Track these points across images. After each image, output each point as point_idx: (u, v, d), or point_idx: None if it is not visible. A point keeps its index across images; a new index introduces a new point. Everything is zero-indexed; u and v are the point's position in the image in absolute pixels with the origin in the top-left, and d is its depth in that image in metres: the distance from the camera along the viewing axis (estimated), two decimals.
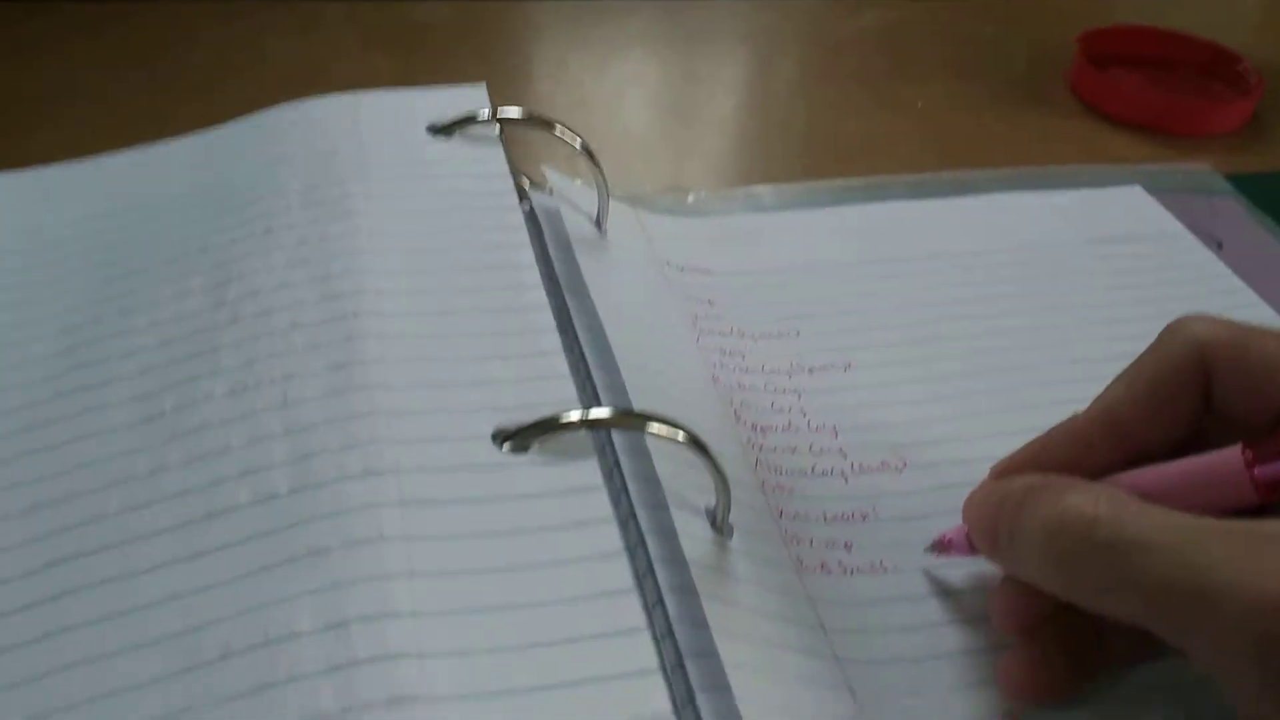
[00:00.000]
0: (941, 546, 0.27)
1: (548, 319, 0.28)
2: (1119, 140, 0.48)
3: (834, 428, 0.31)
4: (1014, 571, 0.24)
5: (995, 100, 0.51)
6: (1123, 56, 0.53)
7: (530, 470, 0.24)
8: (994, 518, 0.24)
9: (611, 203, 0.35)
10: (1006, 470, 0.25)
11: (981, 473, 0.29)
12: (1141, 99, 0.49)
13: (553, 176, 0.35)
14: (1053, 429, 0.25)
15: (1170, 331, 0.24)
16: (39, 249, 0.32)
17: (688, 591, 0.23)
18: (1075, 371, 0.33)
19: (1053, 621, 0.24)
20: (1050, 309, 0.36)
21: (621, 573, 0.22)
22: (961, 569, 0.27)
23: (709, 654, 0.22)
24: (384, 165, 0.32)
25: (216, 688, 0.20)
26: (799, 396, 0.32)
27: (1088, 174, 0.44)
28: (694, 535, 0.24)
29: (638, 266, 0.35)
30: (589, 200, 0.35)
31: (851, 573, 0.27)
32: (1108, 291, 0.36)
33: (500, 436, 0.25)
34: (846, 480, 0.30)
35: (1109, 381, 0.25)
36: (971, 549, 0.26)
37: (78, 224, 0.32)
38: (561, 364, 0.27)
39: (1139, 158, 0.47)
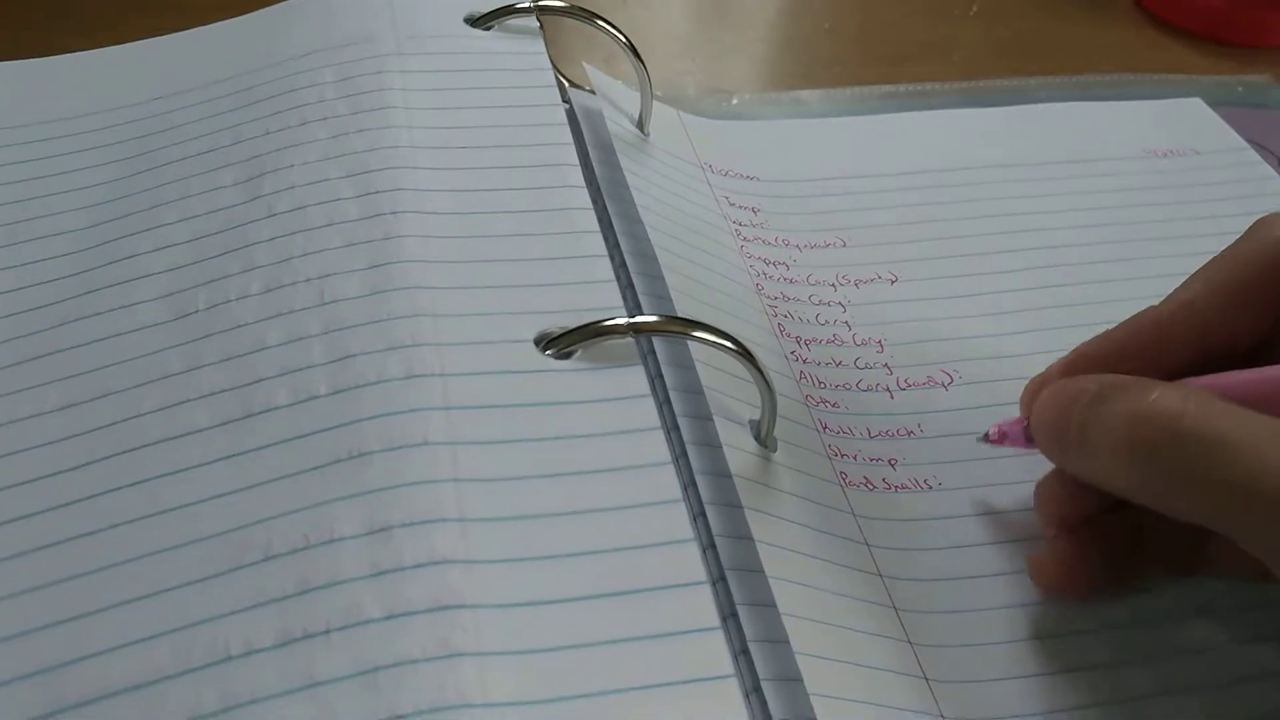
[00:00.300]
0: (997, 437, 0.26)
1: (591, 221, 0.27)
2: (1178, 49, 0.46)
3: (880, 341, 0.30)
4: (1077, 468, 0.23)
5: (1052, 5, 0.49)
6: None
7: (575, 376, 0.23)
8: (1064, 412, 0.23)
9: (656, 105, 0.34)
10: (1076, 365, 0.25)
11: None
12: (1203, 6, 0.47)
13: (593, 74, 0.34)
14: (1127, 320, 0.25)
15: (1256, 228, 0.24)
16: (62, 137, 0.31)
17: (730, 505, 0.23)
18: (1129, 288, 0.31)
19: (1093, 522, 0.24)
20: (1105, 223, 0.34)
21: (669, 482, 0.22)
22: (1008, 490, 0.27)
23: (750, 568, 0.22)
24: (421, 57, 0.31)
25: (261, 588, 0.20)
26: (844, 309, 0.31)
27: (1146, 84, 0.42)
28: (738, 447, 0.24)
29: (681, 170, 0.34)
30: (629, 101, 0.34)
31: (896, 489, 0.27)
32: (1165, 206, 0.35)
33: (543, 341, 0.24)
34: (892, 395, 0.29)
35: (1164, 298, 0.25)
36: (1028, 441, 0.25)
37: (102, 113, 0.31)
38: (606, 268, 0.26)
39: (1198, 68, 0.45)
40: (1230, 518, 0.20)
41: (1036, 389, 0.25)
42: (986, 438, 0.26)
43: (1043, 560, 0.24)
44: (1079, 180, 0.36)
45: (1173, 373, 0.23)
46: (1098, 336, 0.25)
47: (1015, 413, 0.27)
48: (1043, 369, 0.27)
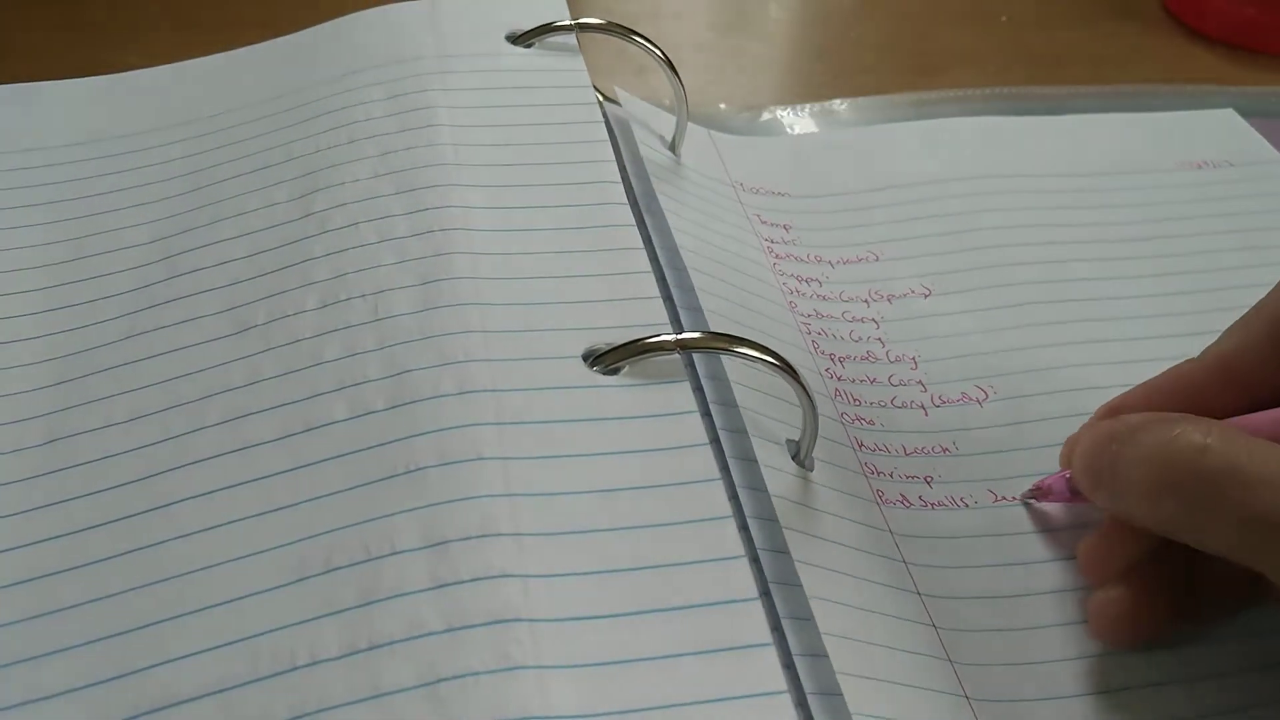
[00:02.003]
0: (1040, 493, 0.26)
1: (635, 238, 0.27)
2: (1210, 58, 0.46)
3: (913, 358, 0.31)
4: (1114, 506, 0.24)
5: (1083, 14, 0.49)
6: None
7: (623, 392, 0.24)
8: (1099, 451, 0.23)
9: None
10: (1113, 411, 0.25)
11: (1066, 406, 0.29)
12: (1236, 15, 0.47)
13: (625, 97, 0.34)
14: (1163, 374, 0.25)
15: None
16: (122, 154, 0.32)
17: (769, 519, 0.24)
18: (1164, 304, 0.32)
19: (1143, 569, 0.24)
20: (1140, 237, 0.35)
21: (718, 498, 0.22)
22: (1044, 509, 0.27)
23: (790, 582, 0.23)
24: (465, 75, 0.31)
25: (323, 600, 0.20)
26: (877, 325, 0.32)
27: (1179, 95, 0.42)
28: (775, 467, 0.24)
29: (711, 187, 0.34)
30: (660, 121, 0.34)
31: (932, 507, 0.27)
32: (1199, 220, 0.35)
33: (591, 357, 0.24)
34: (926, 413, 0.29)
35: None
36: (1070, 495, 0.25)
37: (157, 131, 0.32)
38: (651, 285, 0.26)
39: (1230, 78, 0.45)
40: (1254, 551, 0.20)
41: (1074, 443, 0.26)
42: (1030, 494, 0.27)
43: (1100, 607, 0.24)
44: (1113, 192, 0.36)
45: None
46: (1137, 387, 0.25)
47: (1047, 429, 0.27)
48: (1077, 384, 0.28)
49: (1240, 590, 0.24)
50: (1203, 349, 0.25)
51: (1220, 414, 0.23)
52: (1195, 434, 0.21)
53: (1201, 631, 0.24)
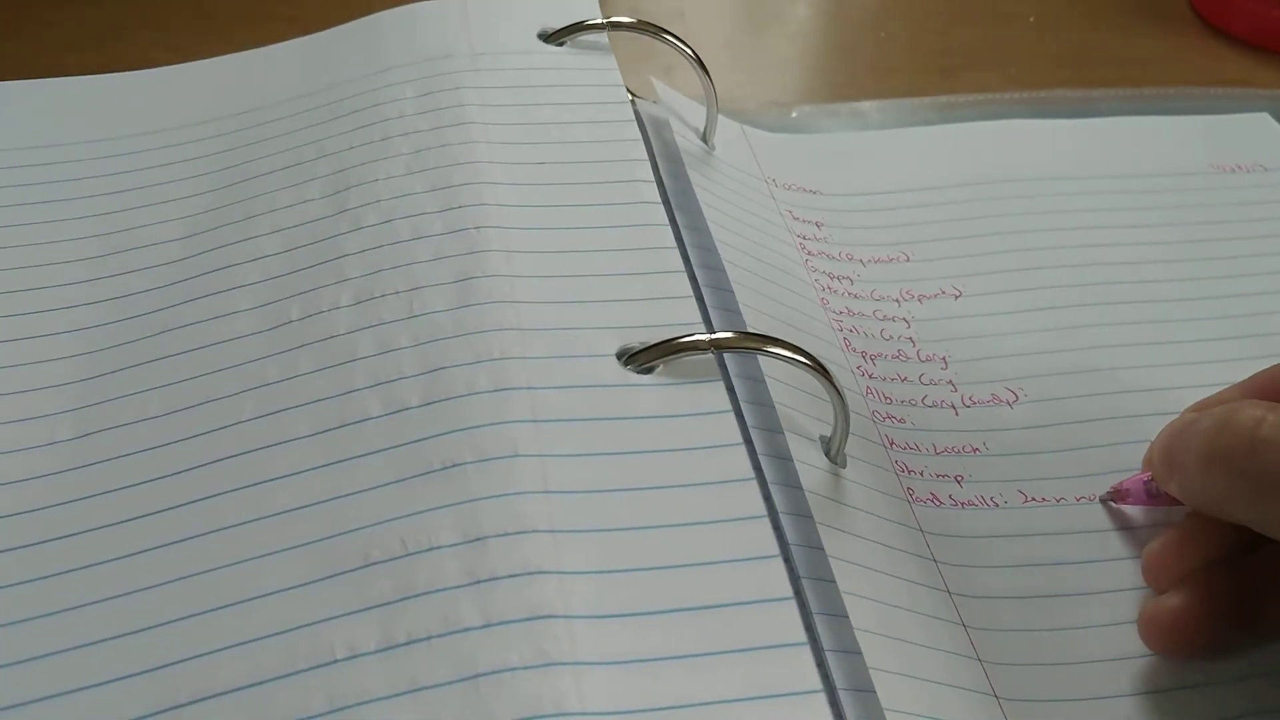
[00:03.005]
0: (1118, 495, 0.27)
1: (668, 237, 0.27)
2: (1240, 62, 0.46)
3: (944, 358, 0.31)
4: (1180, 490, 0.24)
5: (1109, 15, 0.49)
6: None
7: (657, 391, 0.24)
8: (1172, 436, 0.24)
9: (720, 118, 0.35)
10: (1201, 408, 0.25)
11: (1097, 409, 0.29)
12: (1264, 16, 0.46)
13: (661, 89, 0.34)
14: (1257, 373, 0.25)
15: None
16: (155, 149, 0.32)
17: (800, 515, 0.24)
18: (1198, 308, 0.32)
19: (1207, 576, 0.24)
20: (1171, 240, 0.34)
21: (753, 498, 0.22)
22: (1073, 510, 0.27)
23: (822, 578, 0.23)
24: (497, 73, 0.32)
25: (360, 594, 0.20)
26: (908, 324, 0.32)
27: (1211, 98, 0.42)
28: (809, 464, 0.24)
29: (746, 184, 0.34)
30: (694, 115, 0.34)
31: (962, 506, 0.27)
32: (1234, 224, 0.35)
33: (625, 356, 0.25)
34: (957, 413, 0.29)
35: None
36: (1148, 498, 0.26)
37: (193, 125, 0.32)
38: (684, 284, 0.26)
39: (1258, 80, 0.44)
40: None
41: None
42: (1109, 496, 0.27)
43: (1155, 615, 0.24)
44: (1144, 195, 0.36)
45: None
46: (1230, 386, 0.26)
47: (1077, 431, 0.27)
48: (1107, 387, 0.27)
49: None
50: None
51: None
52: (1255, 409, 0.21)
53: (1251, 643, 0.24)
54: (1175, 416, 0.25)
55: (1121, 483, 0.27)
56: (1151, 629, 0.24)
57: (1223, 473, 0.21)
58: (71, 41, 0.43)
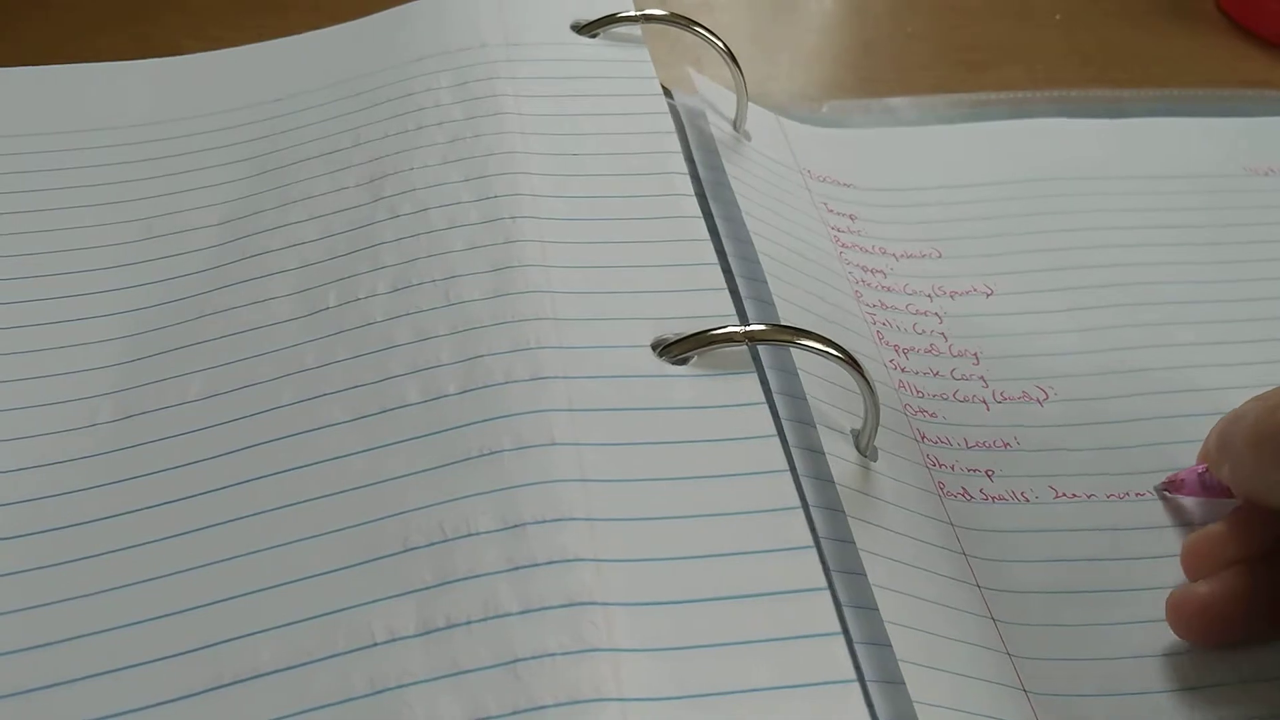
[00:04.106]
0: (1172, 485, 0.27)
1: (701, 229, 0.28)
2: (1268, 62, 0.46)
3: (975, 354, 0.31)
4: (1231, 475, 0.24)
5: (1136, 14, 0.49)
6: None
7: (692, 382, 0.24)
8: (1229, 424, 0.24)
9: (755, 108, 0.35)
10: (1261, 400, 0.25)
11: (1127, 410, 0.29)
12: None
13: (698, 79, 0.34)
14: None
15: None
16: (191, 135, 0.32)
17: (831, 509, 0.24)
18: (1231, 310, 0.32)
19: (1246, 566, 0.24)
20: (1207, 242, 0.34)
21: (787, 489, 0.22)
22: (1104, 506, 0.27)
23: (852, 571, 0.23)
24: (532, 64, 0.32)
25: (400, 578, 0.21)
26: (940, 320, 0.32)
27: (1241, 99, 0.42)
28: (840, 456, 0.25)
29: (780, 175, 0.34)
30: (729, 105, 0.34)
31: (992, 500, 0.27)
32: (1266, 227, 0.35)
33: (660, 346, 0.25)
34: (988, 408, 0.29)
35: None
36: (1203, 489, 0.26)
37: (228, 112, 0.33)
38: (717, 275, 0.26)
39: None
40: None
41: None
42: (1164, 486, 0.27)
43: (1183, 604, 0.24)
44: (1177, 196, 0.36)
45: None
46: None
47: (1108, 431, 0.27)
48: (1138, 389, 0.27)
49: None
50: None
51: None
52: None
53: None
54: (1209, 417, 0.25)
55: (1177, 474, 0.27)
56: (1178, 613, 0.24)
57: (1270, 452, 0.22)
58: (96, 27, 0.43)
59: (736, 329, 0.24)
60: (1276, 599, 0.24)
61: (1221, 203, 0.36)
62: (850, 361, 0.24)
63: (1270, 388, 0.25)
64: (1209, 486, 0.26)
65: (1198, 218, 0.35)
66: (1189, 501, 0.27)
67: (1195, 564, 0.25)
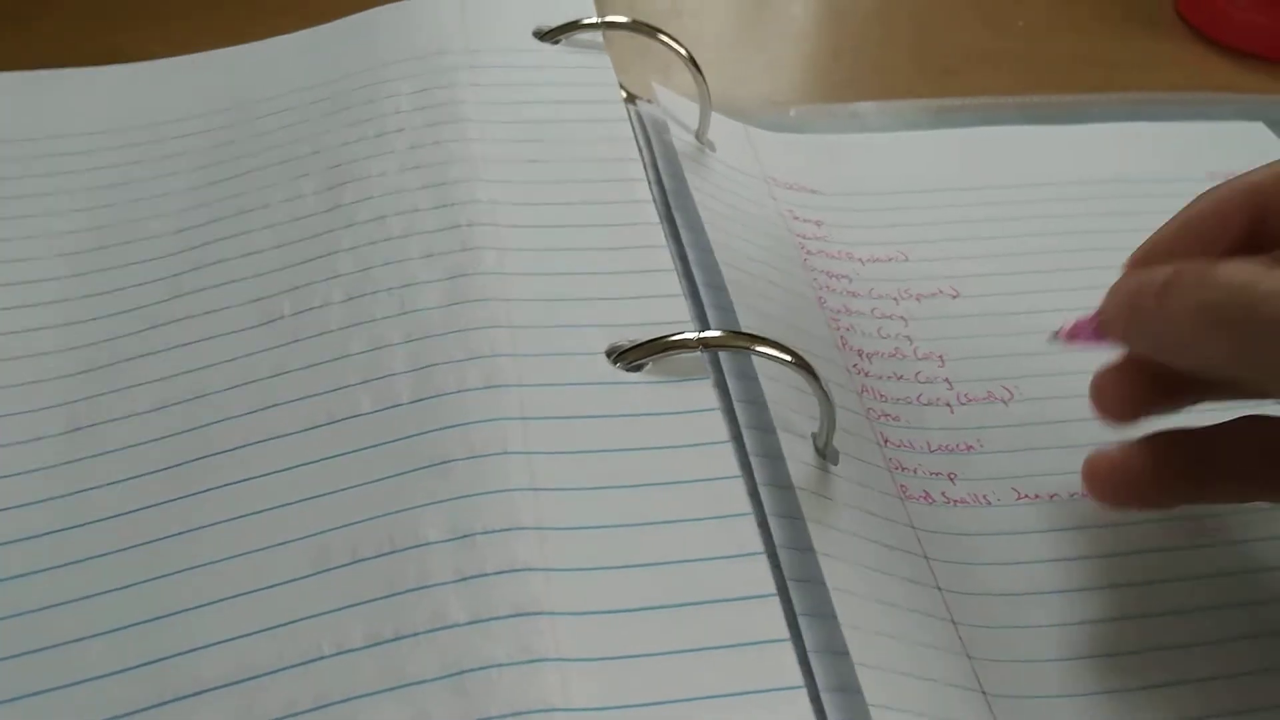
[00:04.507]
0: (1069, 334, 0.26)
1: (659, 236, 0.27)
2: (1227, 68, 0.46)
3: (940, 356, 0.31)
4: (1153, 341, 0.24)
5: (1098, 21, 0.49)
6: None
7: (645, 389, 0.24)
8: (1136, 294, 0.23)
9: (718, 117, 0.35)
10: (1144, 259, 0.25)
11: (1088, 410, 0.29)
12: (1253, 25, 0.46)
13: (660, 90, 0.34)
14: (1189, 206, 0.25)
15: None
16: (146, 143, 0.32)
17: (792, 516, 0.24)
18: None
19: (1157, 434, 0.24)
20: None
21: (739, 495, 0.22)
22: (1067, 506, 0.27)
23: (813, 580, 0.23)
24: (493, 70, 0.32)
25: (348, 590, 0.20)
26: (906, 323, 0.32)
27: (1202, 103, 0.42)
28: (799, 459, 0.25)
29: (744, 183, 0.34)
30: (691, 115, 0.34)
31: (955, 503, 0.27)
32: None
33: (614, 354, 0.25)
34: (952, 410, 0.29)
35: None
36: (1098, 336, 0.25)
37: (183, 121, 0.32)
38: (673, 283, 0.26)
39: (1245, 86, 0.44)
40: None
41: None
42: (1057, 335, 0.26)
43: (1097, 463, 0.24)
44: (1141, 199, 0.36)
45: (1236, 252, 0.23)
46: (1162, 226, 0.26)
47: (1072, 430, 0.27)
48: None
49: (1256, 478, 0.24)
50: None
51: (1240, 239, 0.24)
52: (1243, 269, 0.21)
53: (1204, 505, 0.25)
54: None
55: (1071, 322, 0.26)
56: (1093, 477, 0.24)
57: (1226, 340, 0.21)
58: (62, 33, 0.43)
59: (691, 335, 0.24)
60: (1188, 467, 0.24)
61: (1181, 207, 0.36)
62: (803, 365, 0.24)
63: None
64: (1105, 336, 0.25)
65: (1160, 221, 0.35)
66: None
67: (1112, 407, 0.25)
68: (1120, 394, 0.25)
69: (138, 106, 0.33)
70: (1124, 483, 0.24)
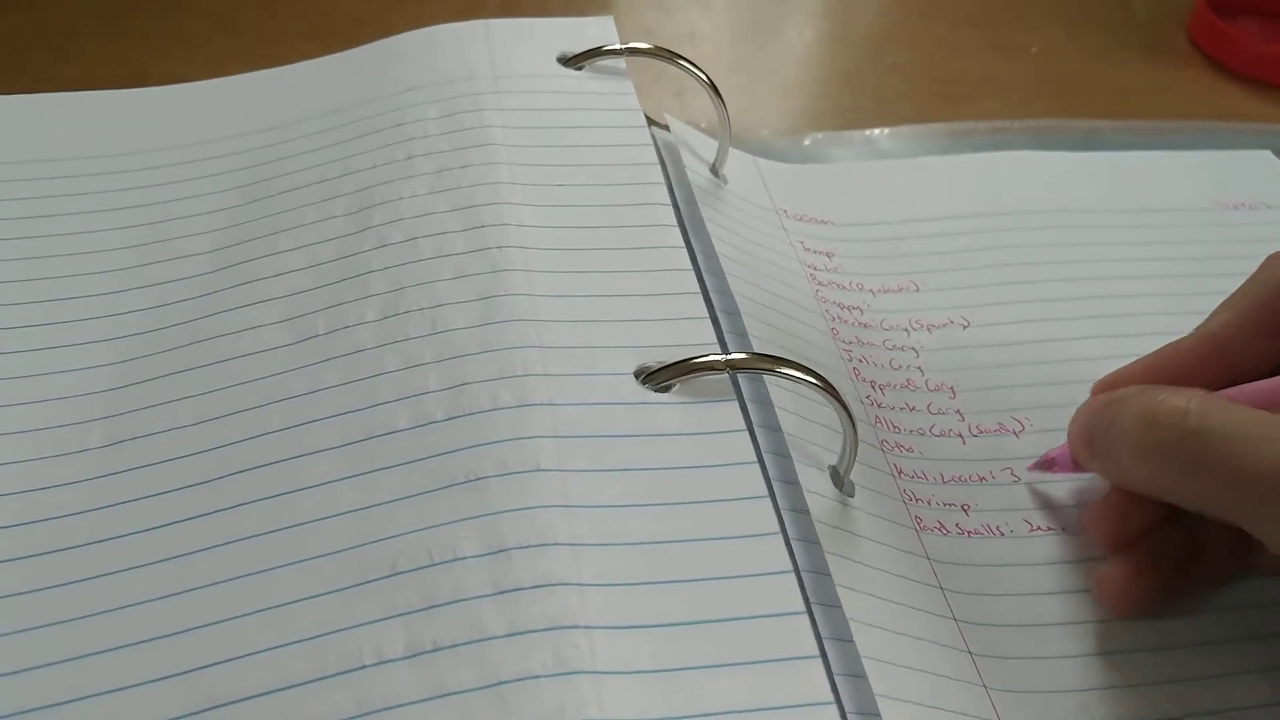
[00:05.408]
0: (1046, 464, 0.28)
1: (684, 259, 0.28)
2: (1238, 96, 0.47)
3: (952, 388, 0.31)
4: (1108, 472, 0.25)
5: (1110, 48, 0.50)
6: (1248, 5, 0.51)
7: (674, 409, 0.24)
8: (1093, 420, 0.25)
9: (731, 150, 0.35)
10: (1108, 385, 0.27)
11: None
12: (1264, 53, 0.47)
13: (673, 122, 0.35)
14: (1156, 351, 0.27)
15: (1269, 262, 0.27)
16: (184, 163, 0.32)
17: (808, 541, 0.24)
18: None
19: (1149, 538, 0.25)
20: (1179, 274, 0.35)
21: (767, 515, 0.23)
22: (1080, 539, 0.27)
23: (829, 603, 0.23)
24: (518, 95, 0.32)
25: (387, 602, 0.21)
26: (917, 354, 0.32)
27: (1212, 131, 0.43)
28: (817, 492, 0.25)
29: (757, 216, 0.35)
30: (705, 145, 0.35)
31: (969, 535, 0.27)
32: (1237, 261, 0.35)
33: (642, 375, 0.25)
34: (964, 441, 0.30)
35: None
36: (1075, 466, 0.27)
37: (214, 143, 0.33)
38: (700, 305, 0.27)
39: (1257, 114, 0.45)
40: (1237, 506, 0.22)
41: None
42: (1038, 465, 0.28)
43: (1106, 577, 0.26)
44: (1149, 229, 0.37)
45: None
46: (1131, 363, 0.27)
47: None
48: None
49: (1244, 559, 0.26)
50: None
51: (1209, 387, 0.25)
52: (1178, 399, 0.23)
53: (1198, 604, 0.26)
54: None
55: (1050, 452, 0.28)
56: (1104, 590, 0.26)
57: (1156, 461, 0.23)
58: (90, 56, 0.44)
59: (718, 357, 0.25)
60: (1172, 564, 0.25)
61: (1192, 237, 0.37)
62: (828, 388, 0.25)
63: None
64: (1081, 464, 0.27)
65: (1169, 251, 0.36)
66: None
67: (1104, 537, 0.26)
68: (1110, 529, 0.26)
69: (170, 128, 0.34)
70: (1128, 600, 0.26)
